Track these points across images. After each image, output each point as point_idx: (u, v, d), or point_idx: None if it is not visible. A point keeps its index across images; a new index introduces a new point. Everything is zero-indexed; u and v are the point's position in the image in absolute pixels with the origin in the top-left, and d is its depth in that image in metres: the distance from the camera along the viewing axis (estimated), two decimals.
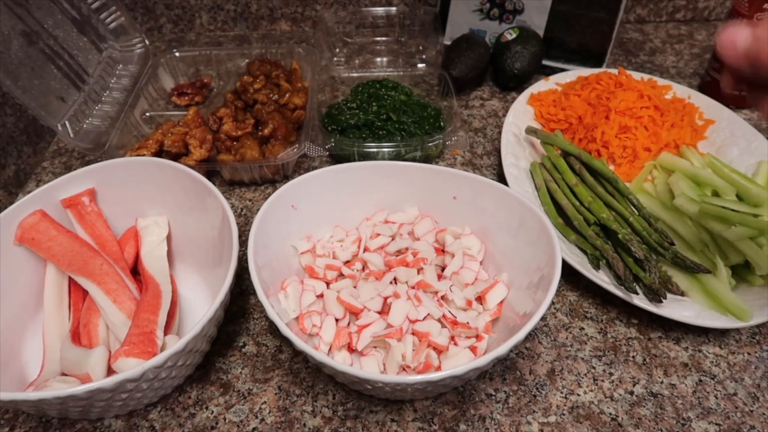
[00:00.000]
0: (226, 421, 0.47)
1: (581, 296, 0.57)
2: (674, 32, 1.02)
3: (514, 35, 0.82)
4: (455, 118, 0.73)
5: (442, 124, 0.73)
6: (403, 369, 0.47)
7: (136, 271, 0.55)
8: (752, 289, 0.55)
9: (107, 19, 0.79)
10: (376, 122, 0.71)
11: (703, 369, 0.51)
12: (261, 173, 0.69)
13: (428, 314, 0.49)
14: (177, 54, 0.84)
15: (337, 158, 0.73)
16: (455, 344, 0.48)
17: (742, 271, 0.56)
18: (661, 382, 0.50)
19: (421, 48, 0.94)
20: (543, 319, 0.55)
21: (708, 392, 0.49)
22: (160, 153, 0.69)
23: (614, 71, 0.77)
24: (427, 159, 0.72)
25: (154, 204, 0.57)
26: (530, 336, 0.53)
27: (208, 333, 0.46)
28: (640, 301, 0.52)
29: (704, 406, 0.48)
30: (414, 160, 0.69)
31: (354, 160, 0.68)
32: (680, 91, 0.77)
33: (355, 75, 0.83)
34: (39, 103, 0.64)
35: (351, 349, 0.49)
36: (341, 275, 0.54)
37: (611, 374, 0.51)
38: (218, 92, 0.83)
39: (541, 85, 0.79)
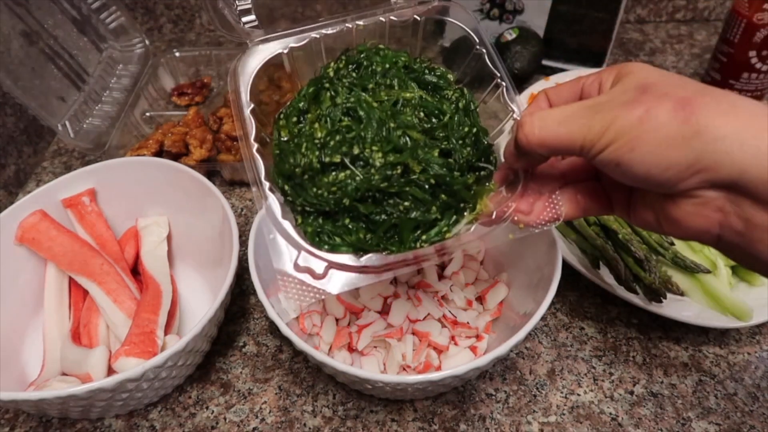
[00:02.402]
0: (227, 420, 0.47)
1: (581, 296, 0.57)
2: (674, 32, 1.02)
3: (514, 35, 0.82)
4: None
5: (477, 130, 0.39)
6: (404, 369, 0.47)
7: (136, 271, 0.55)
8: (752, 289, 0.55)
9: (107, 19, 0.79)
10: (388, 188, 0.36)
11: (703, 369, 0.51)
12: None
13: (428, 314, 0.49)
14: (177, 54, 0.84)
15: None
16: (455, 344, 0.48)
17: (742, 271, 0.56)
18: (661, 382, 0.50)
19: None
20: (543, 319, 0.55)
21: (708, 392, 0.49)
22: (160, 153, 0.69)
23: None
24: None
25: (154, 204, 0.57)
26: (530, 336, 0.53)
27: (209, 333, 0.46)
28: (640, 301, 0.52)
29: (704, 406, 0.48)
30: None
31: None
32: None
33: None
34: (39, 103, 0.64)
35: (351, 349, 0.49)
36: None
37: (611, 374, 0.51)
38: (218, 92, 0.83)
39: (541, 85, 0.79)
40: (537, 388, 0.49)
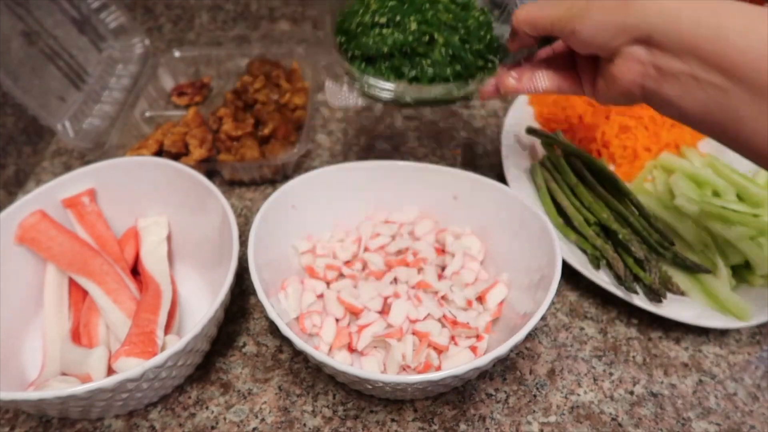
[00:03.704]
0: (226, 421, 0.47)
1: (581, 296, 0.57)
2: None
3: None
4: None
5: (491, 38, 0.50)
6: (404, 369, 0.47)
7: (136, 271, 0.55)
8: (752, 289, 0.55)
9: (107, 18, 0.79)
10: (417, 48, 0.48)
11: (703, 369, 0.51)
12: (261, 173, 0.69)
13: (428, 314, 0.49)
14: (177, 54, 0.84)
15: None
16: (455, 344, 0.48)
17: (742, 271, 0.56)
18: (661, 382, 0.50)
19: None
20: (543, 319, 0.55)
21: (708, 392, 0.49)
22: (160, 153, 0.69)
23: None
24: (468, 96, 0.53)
25: (154, 204, 0.57)
26: (530, 336, 0.53)
27: (209, 333, 0.46)
28: (640, 301, 0.52)
29: (704, 406, 0.48)
30: (466, 97, 0.52)
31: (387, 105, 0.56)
32: None
33: None
34: (39, 103, 0.64)
35: (351, 349, 0.49)
36: (341, 275, 0.54)
37: (611, 374, 0.51)
38: (218, 92, 0.83)
39: None
40: (537, 388, 0.49)
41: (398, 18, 0.48)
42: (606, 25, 0.38)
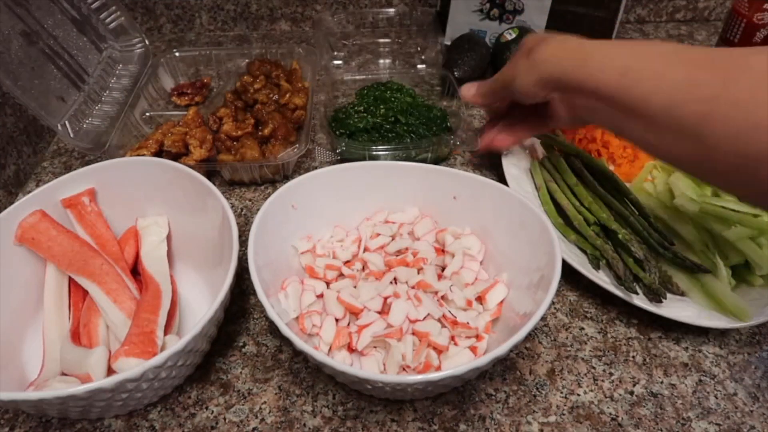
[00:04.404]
0: (226, 421, 0.47)
1: (581, 296, 0.57)
2: (674, 32, 1.02)
3: (514, 35, 0.82)
4: (460, 119, 0.73)
5: (449, 124, 0.72)
6: (403, 369, 0.47)
7: (136, 271, 0.55)
8: (752, 289, 0.55)
9: (107, 19, 0.79)
10: (384, 125, 0.70)
11: (703, 369, 0.51)
12: (261, 173, 0.69)
13: (428, 314, 0.49)
14: (177, 54, 0.84)
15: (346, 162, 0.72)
16: (455, 344, 0.48)
17: (742, 271, 0.56)
18: (661, 382, 0.50)
19: (420, 48, 0.94)
20: (543, 319, 0.55)
21: (708, 392, 0.49)
22: (160, 153, 0.69)
23: None
24: (437, 161, 0.72)
25: (154, 204, 0.57)
26: (530, 336, 0.53)
27: (208, 333, 0.46)
28: (640, 301, 0.52)
29: (704, 406, 0.48)
30: (425, 161, 0.69)
31: None
32: None
33: (358, 77, 0.83)
34: (39, 103, 0.64)
35: (351, 349, 0.49)
36: (341, 275, 0.54)
37: (611, 374, 0.51)
38: (218, 92, 0.82)
39: None
40: (537, 388, 0.49)
41: (372, 108, 0.72)
42: (527, 81, 0.51)
